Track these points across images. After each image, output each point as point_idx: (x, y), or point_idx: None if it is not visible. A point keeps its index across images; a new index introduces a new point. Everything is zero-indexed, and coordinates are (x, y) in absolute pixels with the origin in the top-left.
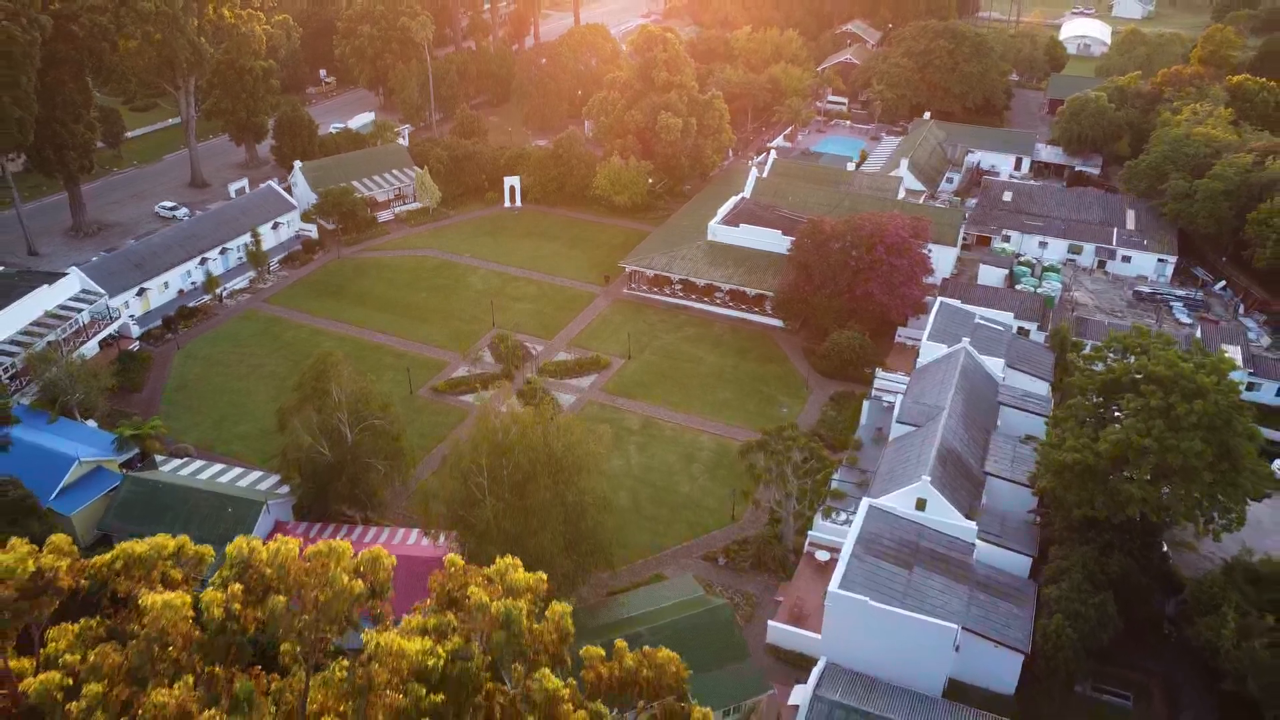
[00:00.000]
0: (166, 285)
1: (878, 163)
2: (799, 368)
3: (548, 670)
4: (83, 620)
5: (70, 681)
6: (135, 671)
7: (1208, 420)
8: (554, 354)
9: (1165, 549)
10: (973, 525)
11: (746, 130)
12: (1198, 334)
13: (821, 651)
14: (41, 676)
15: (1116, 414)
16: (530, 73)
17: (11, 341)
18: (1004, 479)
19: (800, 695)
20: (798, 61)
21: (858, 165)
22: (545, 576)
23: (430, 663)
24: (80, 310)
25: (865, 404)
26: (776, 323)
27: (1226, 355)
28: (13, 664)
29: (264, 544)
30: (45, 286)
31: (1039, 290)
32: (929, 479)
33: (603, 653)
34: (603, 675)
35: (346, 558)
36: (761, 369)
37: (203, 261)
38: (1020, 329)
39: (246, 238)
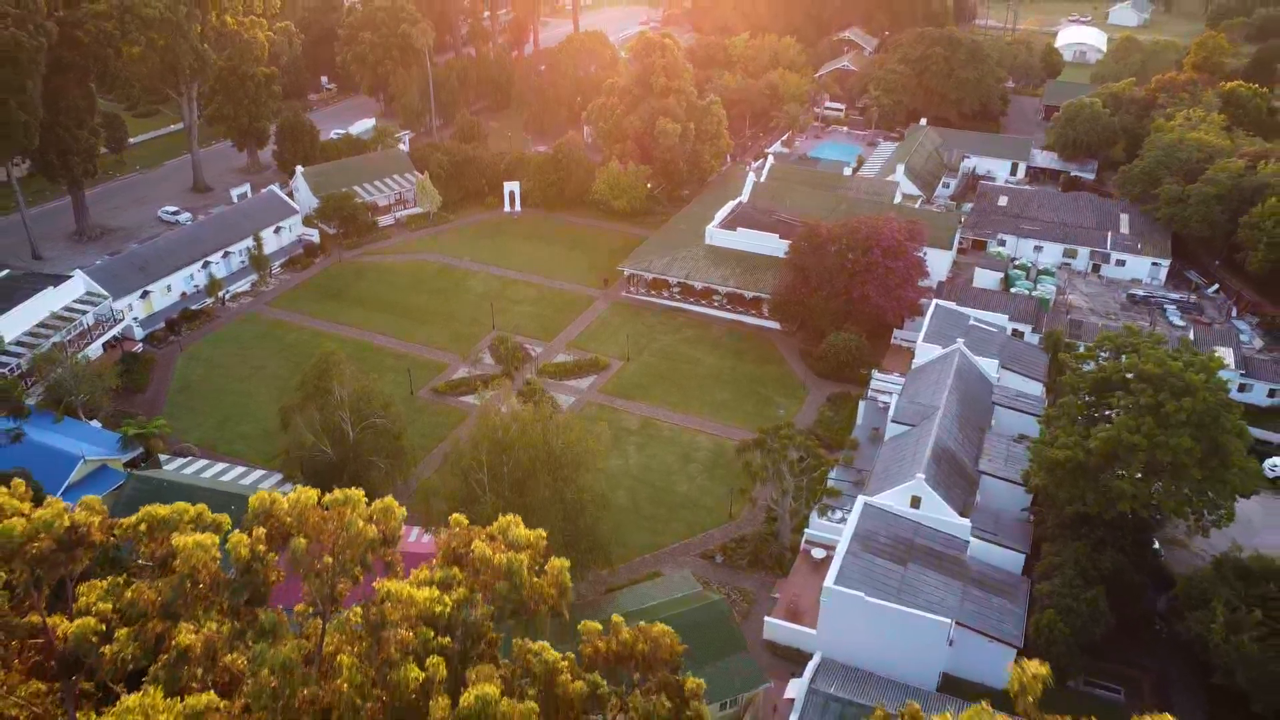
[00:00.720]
0: (169, 288)
1: (874, 168)
2: (796, 369)
3: (546, 644)
4: (109, 577)
5: (104, 627)
6: (168, 607)
7: (1196, 417)
8: (553, 356)
9: (1157, 546)
10: (966, 522)
11: (744, 136)
12: (1190, 336)
13: (817, 646)
14: (78, 621)
15: (1108, 412)
16: (530, 79)
17: (17, 343)
18: (998, 477)
19: (796, 688)
20: (795, 68)
21: (854, 170)
22: (544, 533)
23: (438, 609)
24: (85, 312)
25: (861, 405)
26: (774, 325)
27: (1216, 354)
28: (34, 620)
29: (283, 495)
30: (50, 289)
31: (1034, 293)
32: (923, 477)
33: (599, 627)
34: (599, 649)
35: (361, 505)
36: (759, 370)
37: (205, 265)
38: (1015, 331)
39: (249, 242)
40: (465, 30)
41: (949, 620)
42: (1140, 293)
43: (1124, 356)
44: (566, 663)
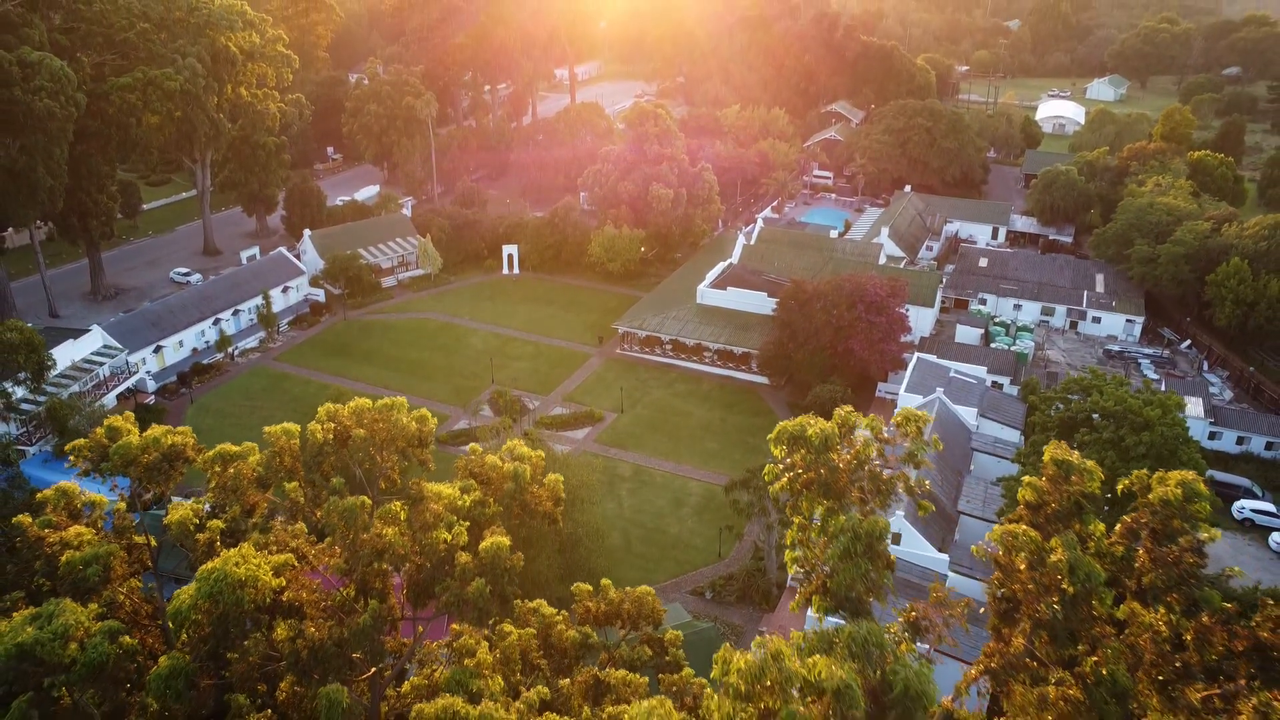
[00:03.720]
0: (181, 343)
1: (860, 232)
2: (784, 420)
3: (543, 601)
4: (193, 499)
5: (198, 520)
6: (262, 479)
7: (1155, 450)
8: (550, 408)
9: None
10: (945, 557)
11: (736, 202)
12: (1162, 388)
13: None
14: (177, 515)
15: (1075, 448)
16: (528, 148)
17: (40, 390)
18: (975, 517)
19: None
20: (785, 138)
21: (841, 234)
22: (544, 454)
23: (460, 502)
24: (101, 364)
25: None
26: (762, 379)
27: (1174, 394)
28: (138, 539)
29: (344, 406)
30: (70, 341)
31: (1012, 348)
32: (903, 514)
33: (590, 589)
34: (590, 609)
35: (404, 409)
36: (747, 422)
37: (216, 322)
38: (994, 383)
39: (258, 300)
40: (466, 103)
41: (925, 646)
42: (1116, 348)
43: (1088, 397)
44: (561, 618)
